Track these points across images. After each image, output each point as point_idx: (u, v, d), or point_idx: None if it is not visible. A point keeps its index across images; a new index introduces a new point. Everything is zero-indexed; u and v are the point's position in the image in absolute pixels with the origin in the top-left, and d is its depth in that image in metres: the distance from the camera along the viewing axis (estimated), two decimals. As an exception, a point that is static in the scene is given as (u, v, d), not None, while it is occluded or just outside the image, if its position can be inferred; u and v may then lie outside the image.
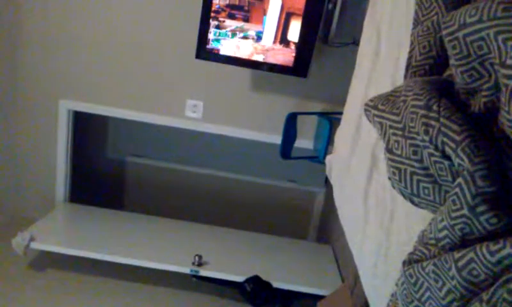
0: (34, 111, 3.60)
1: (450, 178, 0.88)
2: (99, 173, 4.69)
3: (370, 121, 1.19)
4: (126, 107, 3.55)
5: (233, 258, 3.49)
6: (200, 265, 3.24)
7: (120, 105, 3.54)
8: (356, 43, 2.95)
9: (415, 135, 0.95)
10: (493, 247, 0.75)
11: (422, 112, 0.92)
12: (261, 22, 2.92)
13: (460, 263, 0.80)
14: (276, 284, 3.22)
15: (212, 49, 3.01)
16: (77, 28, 3.35)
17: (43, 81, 3.50)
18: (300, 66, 3.03)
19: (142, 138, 4.61)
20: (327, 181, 4.26)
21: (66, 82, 3.50)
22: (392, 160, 1.03)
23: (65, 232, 3.68)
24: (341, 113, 2.08)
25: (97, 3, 3.29)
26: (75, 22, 3.34)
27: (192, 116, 3.56)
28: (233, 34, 2.96)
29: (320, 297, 3.09)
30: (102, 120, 4.44)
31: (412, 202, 1.03)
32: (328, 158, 2.13)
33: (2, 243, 3.42)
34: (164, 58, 3.42)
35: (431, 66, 1.08)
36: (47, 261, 3.44)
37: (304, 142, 3.55)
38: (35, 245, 3.24)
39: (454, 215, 0.83)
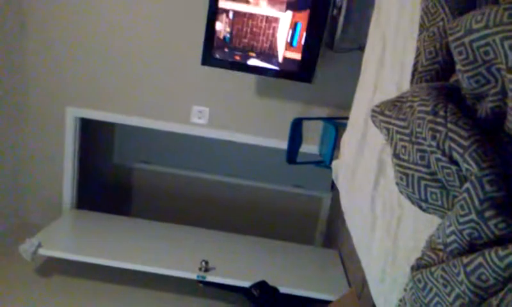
0: (42, 118, 3.63)
1: (457, 183, 0.88)
2: (106, 180, 4.72)
3: (376, 127, 1.20)
4: (132, 113, 3.57)
5: (239, 264, 3.49)
6: (206, 270, 3.24)
7: (126, 112, 3.57)
8: (361, 48, 2.96)
9: (422, 141, 0.95)
10: (502, 252, 0.75)
11: (429, 117, 0.92)
12: None
13: (469, 268, 0.80)
14: (282, 289, 3.22)
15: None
16: (83, 36, 3.38)
17: (51, 89, 3.53)
18: (305, 72, 3.04)
19: (148, 144, 4.63)
20: (333, 186, 4.26)
21: (73, 90, 3.53)
22: (399, 166, 1.04)
23: (72, 238, 3.70)
24: (346, 118, 2.08)
25: (104, 11, 3.32)
26: (82, 30, 3.37)
27: (198, 122, 3.58)
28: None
29: (327, 302, 3.08)
30: (109, 127, 4.47)
31: (420, 207, 1.03)
32: (334, 163, 2.13)
33: (10, 249, 3.44)
34: (170, 65, 3.44)
35: (437, 72, 1.08)
36: (54, 267, 3.45)
37: (310, 147, 3.55)
38: (42, 252, 3.26)
39: (462, 220, 0.83)
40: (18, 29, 3.37)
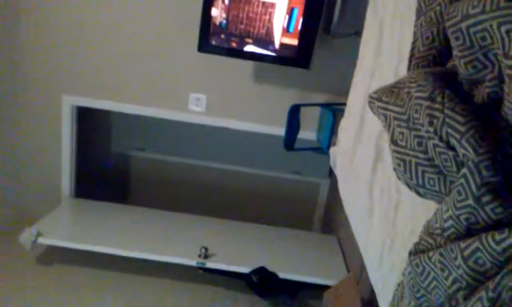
0: (38, 107, 3.62)
1: (455, 169, 0.88)
2: (104, 168, 4.72)
3: (374, 113, 1.20)
4: (129, 101, 3.56)
5: (239, 250, 3.51)
6: (206, 257, 3.26)
7: (123, 99, 3.55)
8: (358, 33, 2.94)
9: (419, 127, 0.95)
10: (499, 237, 0.75)
11: (426, 103, 0.92)
12: None
13: (466, 253, 0.81)
14: (282, 275, 3.24)
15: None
16: (79, 23, 3.36)
17: (46, 77, 3.51)
18: (302, 58, 3.03)
19: (146, 132, 4.62)
20: (331, 172, 4.27)
21: (69, 78, 3.51)
22: (397, 152, 1.04)
23: (71, 227, 3.71)
24: (344, 104, 2.08)
25: (98, -2, 3.30)
26: (77, 17, 3.34)
27: (195, 109, 3.57)
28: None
29: (326, 287, 3.11)
30: (106, 115, 4.45)
31: (418, 193, 1.03)
32: (332, 149, 2.14)
33: (9, 238, 3.45)
34: (166, 52, 3.42)
35: (434, 57, 1.08)
36: (54, 256, 3.47)
37: (307, 133, 3.55)
38: (42, 241, 3.27)
39: (459, 205, 0.83)
40: (11, 18, 3.34)
